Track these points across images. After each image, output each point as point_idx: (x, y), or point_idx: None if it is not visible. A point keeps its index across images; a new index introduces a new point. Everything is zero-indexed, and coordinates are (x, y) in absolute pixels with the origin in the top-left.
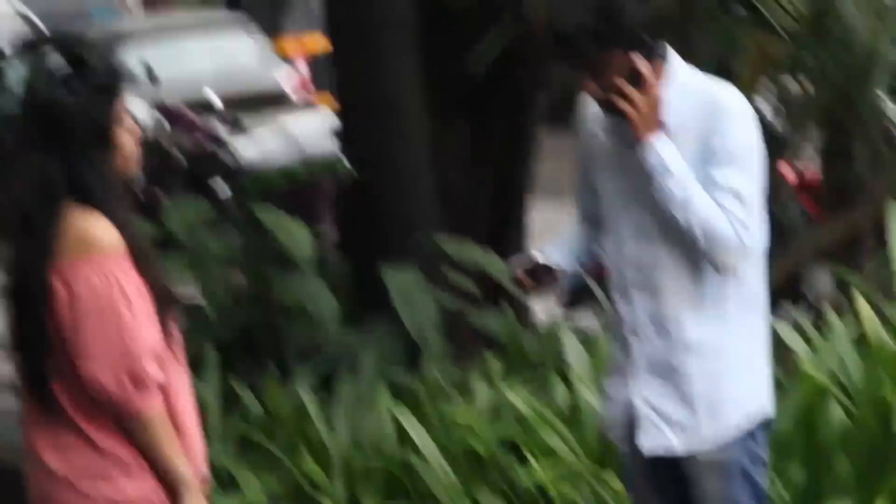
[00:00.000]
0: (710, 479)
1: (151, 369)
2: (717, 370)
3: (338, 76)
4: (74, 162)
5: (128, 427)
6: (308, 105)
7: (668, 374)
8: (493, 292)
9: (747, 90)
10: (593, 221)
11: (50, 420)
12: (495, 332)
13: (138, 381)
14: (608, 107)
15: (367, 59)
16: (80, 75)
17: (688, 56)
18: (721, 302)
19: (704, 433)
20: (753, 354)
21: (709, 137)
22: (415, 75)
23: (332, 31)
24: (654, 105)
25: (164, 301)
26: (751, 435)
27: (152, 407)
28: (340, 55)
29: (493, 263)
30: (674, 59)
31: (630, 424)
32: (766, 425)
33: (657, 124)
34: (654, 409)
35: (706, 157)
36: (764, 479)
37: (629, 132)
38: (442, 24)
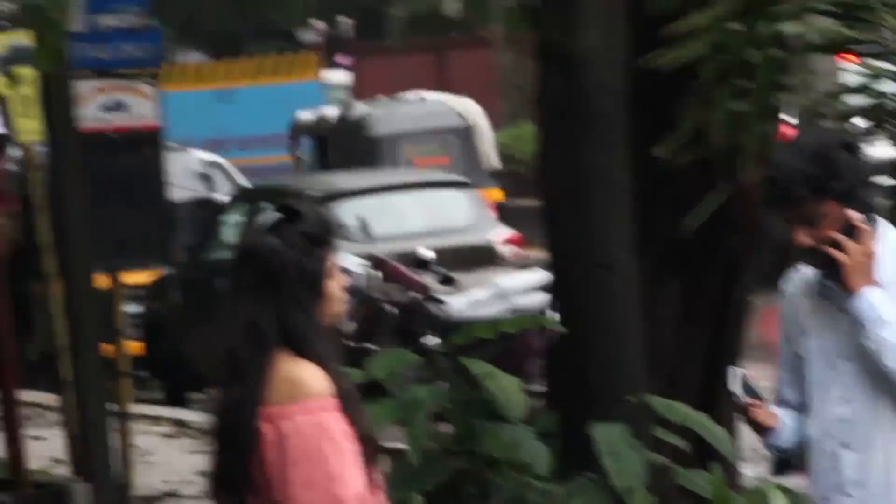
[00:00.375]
0: None
1: None
2: None
3: (548, 231)
4: (285, 309)
5: None
6: (520, 261)
7: None
8: (701, 453)
9: None
10: (797, 390)
11: None
12: (703, 492)
13: None
14: (820, 259)
15: (580, 214)
16: (292, 225)
17: None
18: None
19: None
20: None
21: None
22: (628, 233)
23: (544, 184)
24: (868, 257)
25: (369, 448)
26: None
27: None
28: (552, 209)
29: (702, 423)
30: (883, 220)
31: None
32: None
33: (870, 277)
34: None
35: None
36: None
37: (838, 290)
38: (658, 185)
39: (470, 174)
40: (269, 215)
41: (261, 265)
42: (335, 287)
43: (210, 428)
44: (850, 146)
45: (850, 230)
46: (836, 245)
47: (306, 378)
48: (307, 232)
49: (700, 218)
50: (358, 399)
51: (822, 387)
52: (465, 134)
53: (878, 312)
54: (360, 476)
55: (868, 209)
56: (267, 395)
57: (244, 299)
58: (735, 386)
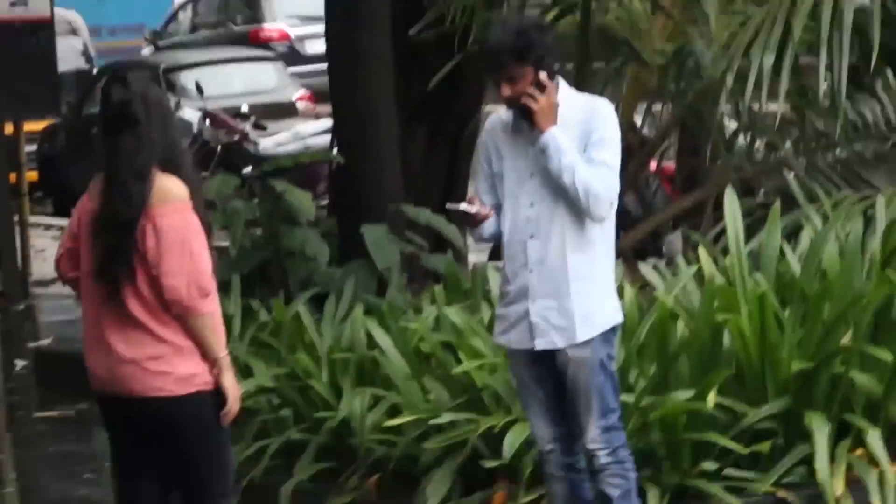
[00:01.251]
0: (580, 370)
1: (210, 283)
2: (587, 290)
3: (333, 90)
4: (170, 136)
5: (189, 323)
6: (312, 113)
7: (555, 295)
8: (440, 243)
9: (629, 107)
10: (493, 197)
11: (121, 321)
12: (440, 271)
13: (203, 290)
14: (519, 107)
15: (355, 78)
16: (144, 73)
17: (584, 84)
18: (591, 244)
19: (579, 334)
20: (609, 279)
21: (588, 130)
22: (390, 91)
23: (330, 56)
24: (551, 106)
25: (209, 236)
26: (608, 336)
27: (208, 307)
28: (336, 74)
29: (440, 223)
30: (561, 80)
31: (526, 332)
32: (616, 329)
33: (553, 120)
34: (545, 319)
35: (585, 143)
36: (615, 368)
37: (528, 128)
38: (412, 58)
39: None
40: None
41: (154, 104)
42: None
43: (95, 224)
44: (541, 26)
45: (540, 86)
46: (530, 97)
47: (174, 189)
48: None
49: (439, 75)
50: (202, 197)
51: (513, 196)
52: None
53: (559, 144)
54: (208, 255)
55: (553, 72)
56: (147, 199)
57: (140, 128)
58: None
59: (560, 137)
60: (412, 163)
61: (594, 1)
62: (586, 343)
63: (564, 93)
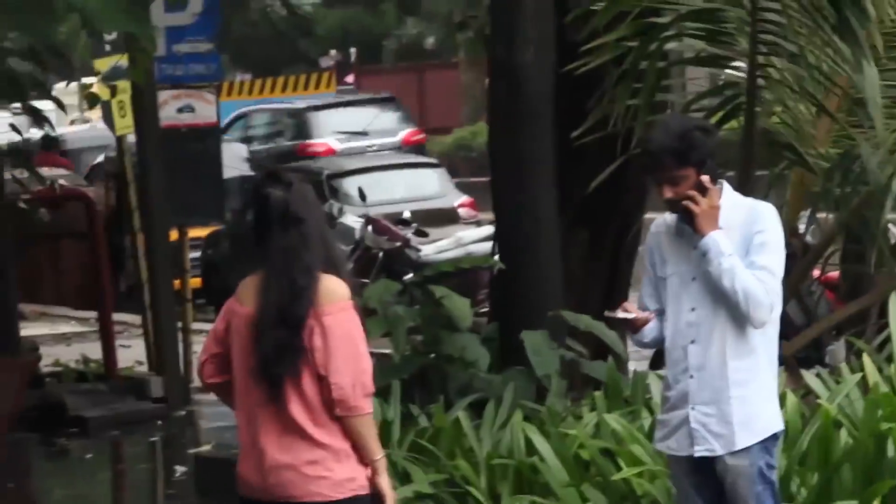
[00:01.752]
0: (739, 479)
1: (371, 382)
2: (747, 397)
3: (495, 197)
4: (331, 241)
5: (350, 423)
6: (473, 220)
7: (715, 401)
8: (601, 350)
9: (793, 213)
10: (655, 302)
11: (279, 425)
12: (601, 377)
13: (366, 389)
14: (680, 209)
15: (518, 184)
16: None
17: (748, 188)
18: (752, 350)
19: (738, 441)
20: (770, 387)
21: (751, 233)
22: (552, 197)
23: (493, 160)
24: (714, 209)
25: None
26: (768, 444)
27: (369, 408)
28: (499, 179)
29: (600, 329)
30: (725, 183)
31: (686, 438)
32: (777, 437)
33: (715, 223)
34: (704, 426)
35: (747, 248)
36: (775, 478)
37: (691, 232)
38: (574, 161)
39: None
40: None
41: (314, 211)
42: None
43: (267, 321)
44: (704, 128)
45: (702, 189)
46: (692, 199)
47: (338, 289)
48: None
49: (600, 181)
50: (359, 305)
51: (676, 300)
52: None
53: (720, 247)
54: (368, 354)
55: (715, 174)
56: (315, 299)
57: (309, 232)
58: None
59: (721, 241)
60: (573, 268)
61: (758, 105)
62: (745, 451)
63: (728, 196)
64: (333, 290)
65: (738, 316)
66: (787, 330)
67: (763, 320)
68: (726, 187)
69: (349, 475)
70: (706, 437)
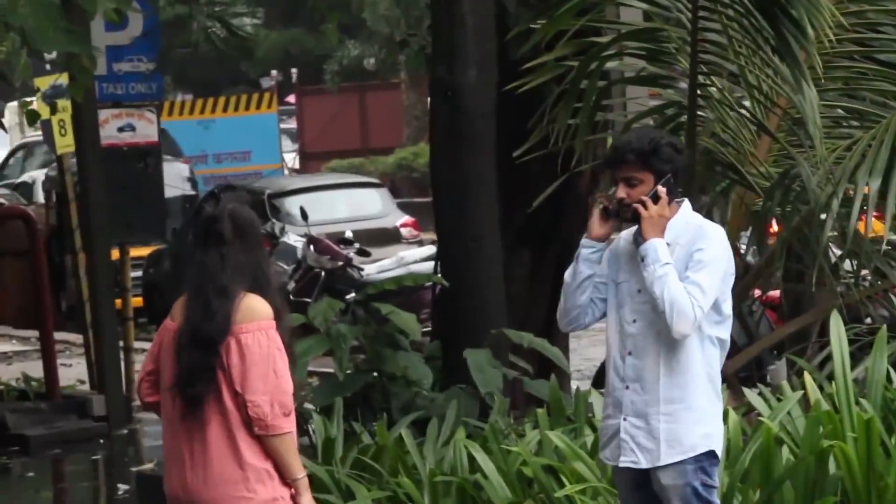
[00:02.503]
0: (674, 498)
1: (291, 402)
2: (677, 414)
3: (437, 216)
4: (256, 258)
5: (270, 443)
6: (416, 239)
7: (644, 414)
8: (544, 368)
9: (733, 232)
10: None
11: (202, 442)
12: (543, 396)
13: (285, 409)
14: (629, 211)
15: (459, 204)
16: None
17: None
18: (688, 368)
19: (663, 457)
20: (706, 407)
21: (692, 251)
22: (493, 216)
23: (434, 179)
24: (662, 217)
25: (290, 355)
26: (703, 464)
27: (290, 428)
28: (439, 201)
29: (543, 346)
30: (686, 202)
31: (617, 448)
32: (714, 456)
33: (660, 232)
34: (632, 437)
35: (686, 265)
36: (715, 498)
37: (641, 241)
38: (515, 181)
39: None
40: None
41: (239, 224)
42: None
43: (184, 340)
44: (675, 145)
45: (656, 198)
46: (642, 203)
47: (259, 307)
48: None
49: (541, 200)
50: (288, 322)
51: (619, 307)
52: None
53: (658, 255)
54: (289, 374)
55: (675, 191)
56: (233, 317)
57: (228, 248)
58: None
59: (661, 248)
60: (516, 288)
61: (699, 124)
62: (677, 469)
63: (683, 214)
64: (254, 308)
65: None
66: (729, 349)
67: (684, 333)
68: (686, 206)
69: (272, 495)
70: (633, 448)
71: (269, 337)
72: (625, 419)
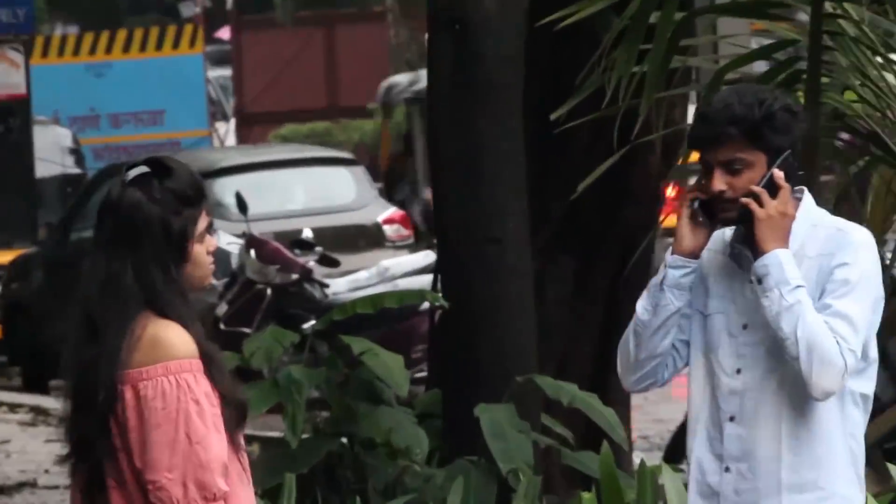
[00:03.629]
0: None
1: (220, 482)
2: None
3: (436, 205)
4: (146, 267)
5: None
6: (405, 241)
7: None
8: (591, 434)
9: (876, 230)
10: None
11: None
12: (591, 472)
13: (206, 491)
14: (736, 213)
15: (470, 186)
16: (160, 180)
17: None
18: (821, 439)
19: None
20: (850, 495)
21: (830, 267)
22: (521, 207)
23: (434, 158)
24: (785, 216)
25: (234, 411)
26: None
27: None
28: (441, 182)
29: (591, 405)
30: (807, 194)
31: None
32: None
33: (783, 238)
34: None
35: (823, 287)
36: None
37: (751, 257)
38: (554, 157)
39: None
40: (137, 169)
41: (122, 219)
42: (202, 251)
43: (66, 392)
44: (791, 109)
45: (773, 187)
46: (755, 197)
47: (169, 339)
48: (175, 189)
49: (589, 184)
50: (222, 361)
51: (712, 351)
52: None
53: (784, 272)
54: (223, 441)
55: (796, 176)
56: (127, 356)
57: (103, 254)
58: None
59: (787, 264)
60: (551, 312)
61: (826, 74)
62: None
63: (807, 211)
64: (160, 341)
65: (801, 383)
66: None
67: (829, 390)
68: (808, 199)
69: None
70: None
71: (178, 385)
72: None
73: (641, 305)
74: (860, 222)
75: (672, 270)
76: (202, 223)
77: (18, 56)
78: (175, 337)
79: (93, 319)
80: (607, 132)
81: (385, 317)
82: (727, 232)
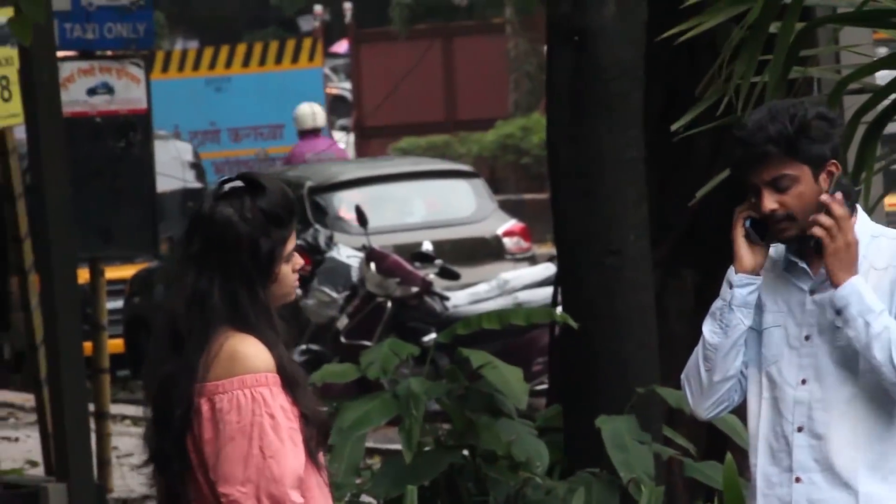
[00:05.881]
0: None
1: (294, 495)
2: None
3: (556, 217)
4: (232, 284)
5: None
6: (526, 254)
7: None
8: (714, 444)
9: None
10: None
11: None
12: (714, 483)
13: None
14: (799, 237)
15: (590, 198)
16: (252, 198)
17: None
18: (893, 449)
19: None
20: None
21: None
22: (642, 219)
23: (553, 170)
24: (851, 246)
25: (316, 429)
26: None
27: None
28: (561, 194)
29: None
30: (859, 208)
31: None
32: None
33: (853, 266)
34: None
35: (892, 299)
36: None
37: (806, 269)
38: (674, 168)
39: None
40: (231, 184)
41: (213, 235)
42: (288, 271)
43: (147, 403)
44: (827, 116)
45: (829, 212)
46: (823, 226)
47: (246, 353)
48: (267, 209)
49: (708, 191)
50: (305, 380)
51: (773, 364)
52: None
53: (867, 302)
54: (300, 454)
55: (851, 192)
56: (205, 370)
57: (191, 269)
58: None
59: (866, 293)
60: (672, 325)
61: None
62: None
63: (864, 223)
64: (238, 355)
65: (881, 397)
66: None
67: None
68: (860, 212)
69: None
70: None
71: (253, 398)
72: None
73: (709, 329)
74: None
75: (739, 290)
76: (290, 244)
77: (139, 71)
78: (252, 351)
79: (177, 333)
80: (728, 141)
81: (506, 330)
82: (776, 247)
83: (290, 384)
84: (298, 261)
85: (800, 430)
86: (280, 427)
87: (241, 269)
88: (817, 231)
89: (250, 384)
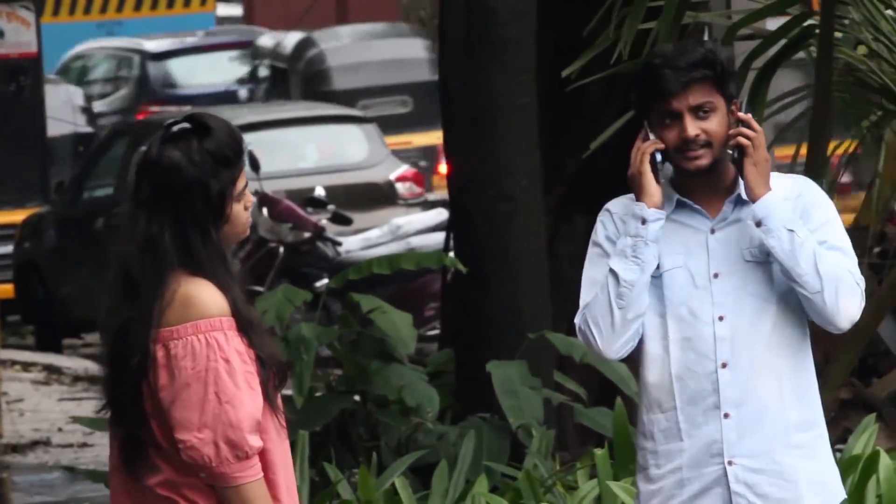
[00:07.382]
0: None
1: (252, 439)
2: (815, 444)
3: (448, 162)
4: (183, 228)
5: (223, 497)
6: (418, 199)
7: (767, 451)
8: (605, 390)
9: (889, 187)
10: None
11: (139, 490)
12: (604, 430)
13: (238, 450)
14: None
15: (482, 144)
16: (200, 140)
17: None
18: (811, 372)
19: None
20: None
21: (804, 207)
22: (534, 165)
23: (446, 114)
24: (768, 160)
25: (274, 371)
26: None
27: (251, 477)
28: (453, 139)
29: (604, 361)
30: None
31: None
32: None
33: (769, 181)
34: (750, 487)
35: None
36: None
37: (701, 210)
38: (566, 114)
39: None
40: (177, 126)
41: (161, 180)
42: (240, 209)
43: (101, 350)
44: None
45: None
46: (745, 135)
47: (200, 298)
48: (214, 150)
49: (602, 141)
50: (260, 322)
51: (682, 306)
52: None
53: (785, 215)
54: (257, 398)
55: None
56: (159, 316)
57: (141, 214)
58: None
59: (784, 207)
60: (564, 270)
61: (839, 30)
62: None
63: None
64: (191, 300)
65: (798, 325)
66: (878, 361)
67: (854, 317)
68: None
69: None
70: (755, 503)
71: (208, 344)
72: (730, 463)
73: (623, 267)
74: (874, 177)
75: (653, 224)
76: (240, 182)
77: (29, 14)
78: (205, 295)
79: (130, 279)
80: (621, 88)
81: (398, 275)
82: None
83: (245, 327)
84: (250, 198)
85: (724, 366)
86: (235, 372)
87: (192, 212)
88: (742, 140)
89: (204, 329)
